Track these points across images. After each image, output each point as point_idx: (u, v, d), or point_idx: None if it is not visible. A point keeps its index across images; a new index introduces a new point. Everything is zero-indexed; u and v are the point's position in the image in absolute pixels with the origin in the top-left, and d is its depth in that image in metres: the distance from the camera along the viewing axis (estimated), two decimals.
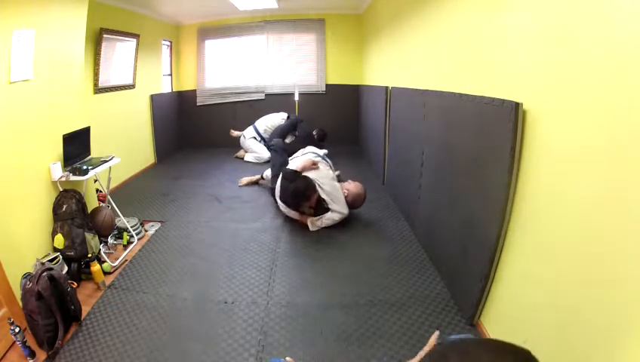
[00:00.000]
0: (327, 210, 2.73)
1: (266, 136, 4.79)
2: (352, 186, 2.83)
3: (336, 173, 3.31)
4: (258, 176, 3.84)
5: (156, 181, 4.15)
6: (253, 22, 5.25)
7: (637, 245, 0.84)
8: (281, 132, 4.65)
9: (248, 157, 4.80)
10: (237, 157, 4.97)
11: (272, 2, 4.49)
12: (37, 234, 2.02)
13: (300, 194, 2.60)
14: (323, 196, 2.69)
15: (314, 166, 2.83)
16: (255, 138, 4.82)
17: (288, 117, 4.89)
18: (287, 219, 2.89)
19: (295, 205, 2.69)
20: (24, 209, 1.93)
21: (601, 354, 0.95)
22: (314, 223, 2.72)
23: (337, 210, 2.72)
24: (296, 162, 3.04)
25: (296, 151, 3.58)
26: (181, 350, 1.62)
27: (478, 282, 1.59)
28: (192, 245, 2.57)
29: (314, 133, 4.80)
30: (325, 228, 2.73)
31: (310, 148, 3.47)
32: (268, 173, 3.60)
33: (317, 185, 2.67)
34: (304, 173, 2.77)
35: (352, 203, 2.81)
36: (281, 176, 2.75)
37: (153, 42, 4.66)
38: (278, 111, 5.02)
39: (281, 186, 2.74)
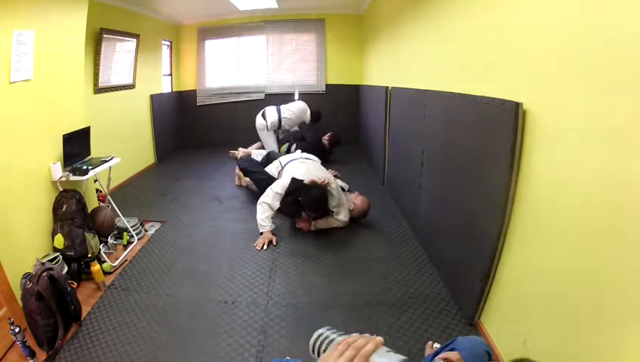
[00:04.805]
0: (328, 213, 2.72)
1: (286, 123, 4.37)
2: (359, 202, 2.79)
3: (342, 184, 3.21)
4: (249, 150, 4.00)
5: (156, 181, 4.15)
6: (253, 22, 5.25)
7: (637, 244, 0.84)
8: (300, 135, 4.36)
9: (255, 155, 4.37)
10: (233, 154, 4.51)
11: (272, 2, 4.50)
12: (37, 234, 2.02)
13: (318, 203, 2.51)
14: (330, 201, 2.65)
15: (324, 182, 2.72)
16: (267, 128, 4.31)
17: (312, 114, 4.49)
18: (287, 219, 2.88)
19: (314, 212, 2.60)
20: (24, 209, 1.93)
21: (602, 354, 0.95)
22: (315, 225, 2.72)
23: (340, 218, 2.70)
24: (297, 170, 2.82)
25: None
26: (181, 350, 1.62)
27: (478, 282, 1.59)
28: (192, 245, 2.57)
29: (325, 138, 4.51)
30: (325, 228, 2.73)
31: (300, 154, 3.29)
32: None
33: (328, 191, 2.61)
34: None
35: (355, 217, 2.79)
36: (290, 186, 2.58)
37: (153, 42, 4.66)
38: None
39: (292, 200, 2.61)
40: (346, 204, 2.76)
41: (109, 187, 2.71)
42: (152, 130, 4.78)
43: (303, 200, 2.52)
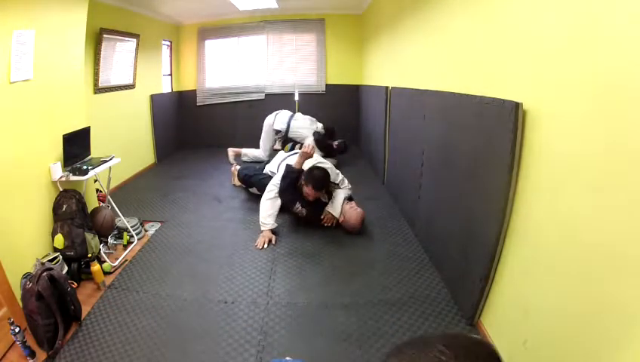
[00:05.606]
0: (332, 189, 2.76)
1: (294, 136, 4.33)
2: (353, 216, 2.61)
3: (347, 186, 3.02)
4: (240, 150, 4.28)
5: (156, 181, 4.15)
6: (253, 22, 5.24)
7: (637, 244, 0.84)
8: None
9: (246, 154, 4.52)
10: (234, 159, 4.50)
11: (272, 2, 4.49)
12: (37, 234, 2.02)
13: (323, 180, 2.57)
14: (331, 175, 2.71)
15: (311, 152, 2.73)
16: (271, 127, 4.37)
17: (326, 131, 4.39)
18: (287, 218, 2.88)
19: (319, 189, 2.60)
20: (24, 209, 1.93)
21: (602, 355, 0.95)
22: (340, 216, 2.66)
23: (346, 185, 2.84)
24: (290, 160, 2.91)
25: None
26: (181, 350, 1.62)
27: (478, 282, 1.59)
28: (192, 245, 2.57)
29: (335, 144, 4.37)
30: (324, 228, 2.72)
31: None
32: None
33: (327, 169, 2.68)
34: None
35: (343, 226, 2.69)
36: (285, 175, 2.65)
37: (153, 42, 4.66)
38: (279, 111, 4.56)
39: (287, 182, 2.64)
40: (342, 176, 2.88)
41: (109, 187, 2.71)
42: (152, 130, 4.78)
43: (307, 180, 2.56)
